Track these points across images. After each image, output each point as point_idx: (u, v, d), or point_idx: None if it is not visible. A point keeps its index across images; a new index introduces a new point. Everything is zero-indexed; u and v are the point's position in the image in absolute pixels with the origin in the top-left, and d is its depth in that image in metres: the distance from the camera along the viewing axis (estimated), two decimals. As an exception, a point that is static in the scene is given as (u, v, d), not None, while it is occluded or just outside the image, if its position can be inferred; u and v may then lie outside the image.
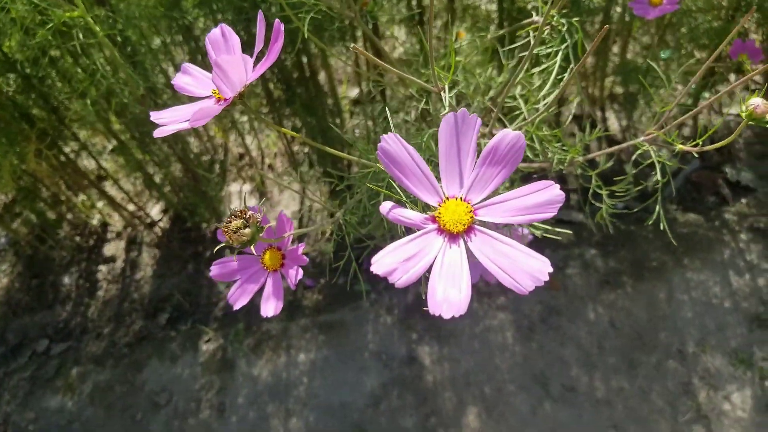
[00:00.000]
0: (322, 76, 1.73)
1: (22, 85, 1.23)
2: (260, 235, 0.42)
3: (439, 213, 0.34)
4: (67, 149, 1.66)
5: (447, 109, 0.53)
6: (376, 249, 0.74)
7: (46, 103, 1.28)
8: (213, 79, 0.38)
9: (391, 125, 0.47)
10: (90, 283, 2.00)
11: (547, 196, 0.33)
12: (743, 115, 0.47)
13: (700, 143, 0.56)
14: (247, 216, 0.41)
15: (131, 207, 2.08)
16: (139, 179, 2.01)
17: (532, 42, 0.70)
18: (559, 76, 0.64)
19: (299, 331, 1.77)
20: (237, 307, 0.59)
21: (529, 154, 0.71)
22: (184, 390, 1.69)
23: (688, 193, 2.05)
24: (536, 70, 0.65)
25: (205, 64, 0.44)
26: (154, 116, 0.42)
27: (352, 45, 0.38)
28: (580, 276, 1.80)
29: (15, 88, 1.23)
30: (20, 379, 1.80)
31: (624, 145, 0.67)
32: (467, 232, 0.34)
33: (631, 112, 2.19)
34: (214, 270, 0.56)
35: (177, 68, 1.52)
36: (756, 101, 0.46)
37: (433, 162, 0.41)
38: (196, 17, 1.10)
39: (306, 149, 1.97)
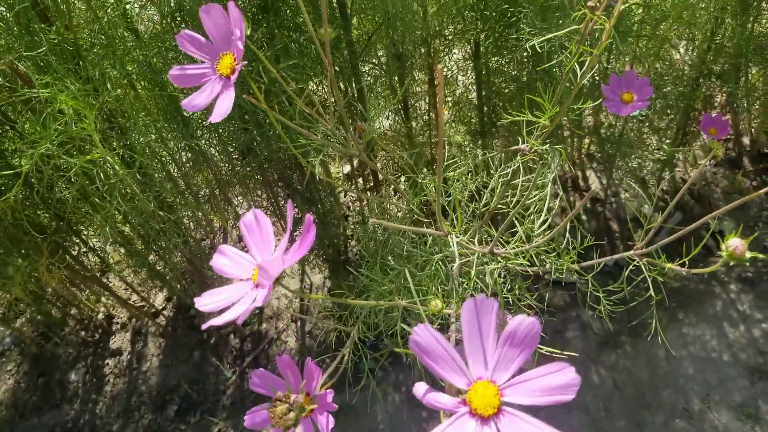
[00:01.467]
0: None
1: (33, 199, 1.29)
2: (304, 414, 0.46)
3: (470, 397, 0.39)
4: (73, 251, 1.70)
5: (456, 251, 0.59)
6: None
7: (57, 214, 1.33)
8: (258, 279, 0.44)
9: (412, 288, 0.52)
10: (97, 379, 2.01)
11: (564, 378, 0.38)
12: (724, 254, 0.53)
13: (687, 262, 0.62)
14: (291, 401, 0.46)
15: (135, 297, 2.11)
16: (142, 270, 2.04)
17: (520, 169, 0.77)
18: (550, 204, 0.70)
19: (309, 415, 1.78)
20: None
21: (525, 262, 0.76)
22: (197, 484, 1.69)
23: (673, 246, 2.12)
24: (530, 199, 0.71)
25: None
26: (198, 304, 0.47)
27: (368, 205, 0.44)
28: (579, 339, 1.85)
29: (28, 203, 1.28)
30: (31, 485, 1.78)
31: (615, 256, 0.73)
32: (496, 414, 0.38)
33: (610, 170, 2.27)
34: (248, 420, 0.60)
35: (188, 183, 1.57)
36: (734, 242, 0.52)
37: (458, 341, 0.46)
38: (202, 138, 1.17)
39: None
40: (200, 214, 1.59)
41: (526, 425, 0.37)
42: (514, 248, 0.72)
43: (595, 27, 0.63)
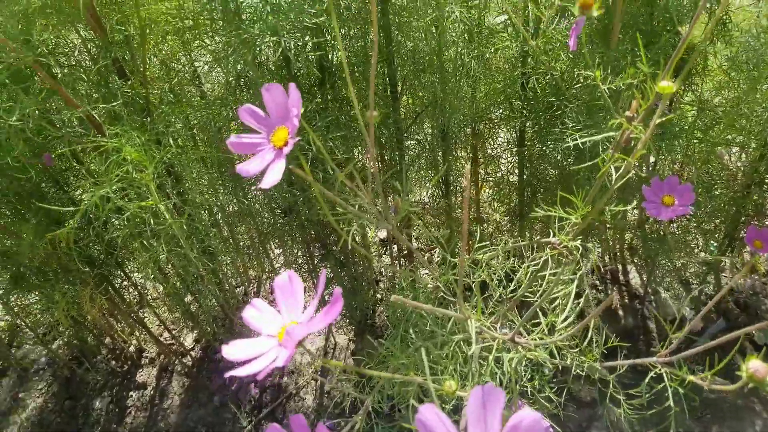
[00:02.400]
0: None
1: (88, 233, 1.37)
2: None
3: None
4: (115, 283, 1.78)
5: (473, 334, 0.61)
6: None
7: (107, 250, 1.40)
8: (283, 340, 0.47)
9: (426, 366, 0.54)
10: (119, 409, 2.04)
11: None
12: (744, 375, 0.53)
13: (709, 377, 0.62)
14: None
15: (166, 335, 2.16)
16: (177, 309, 2.11)
17: (549, 262, 0.79)
18: (576, 300, 0.71)
19: (319, 477, 1.76)
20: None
21: (545, 355, 0.77)
22: None
23: (713, 354, 2.05)
24: (556, 293, 0.73)
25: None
26: (224, 351, 0.51)
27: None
28: (604, 438, 1.79)
29: (83, 236, 1.36)
30: (39, 508, 1.80)
31: (638, 361, 0.73)
32: None
33: (652, 267, 2.24)
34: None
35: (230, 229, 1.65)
36: (755, 365, 0.52)
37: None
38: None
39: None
40: (239, 262, 1.64)
41: None
42: (535, 339, 0.73)
43: (632, 136, 0.66)
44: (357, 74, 1.25)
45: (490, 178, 1.76)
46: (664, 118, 0.62)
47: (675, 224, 2.04)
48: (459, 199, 1.93)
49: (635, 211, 2.15)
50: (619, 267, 2.33)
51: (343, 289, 1.61)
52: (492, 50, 1.26)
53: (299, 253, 1.61)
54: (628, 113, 0.64)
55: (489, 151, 1.73)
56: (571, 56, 1.11)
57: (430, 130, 1.50)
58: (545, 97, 1.29)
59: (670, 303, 2.27)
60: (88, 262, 1.41)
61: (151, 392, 2.07)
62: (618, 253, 2.30)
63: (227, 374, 0.48)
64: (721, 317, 2.20)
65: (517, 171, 1.59)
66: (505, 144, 1.63)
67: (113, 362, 2.16)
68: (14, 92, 0.93)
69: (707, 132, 1.60)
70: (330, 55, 1.18)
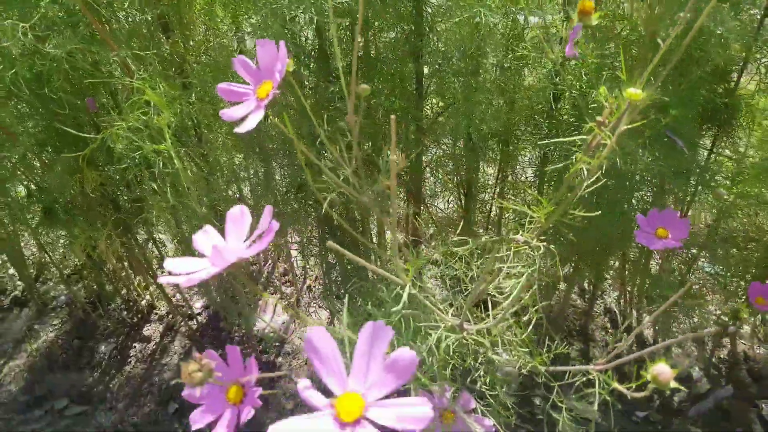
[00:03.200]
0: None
1: (111, 177, 1.45)
2: (210, 379, 0.52)
3: (339, 403, 0.44)
4: (138, 236, 1.87)
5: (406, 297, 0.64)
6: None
7: (134, 198, 1.49)
8: (211, 259, 0.52)
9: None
10: (122, 357, 2.13)
11: (420, 412, 0.42)
12: (650, 377, 0.55)
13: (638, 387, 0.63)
14: (202, 363, 0.52)
15: (178, 296, 2.25)
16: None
17: (508, 255, 0.81)
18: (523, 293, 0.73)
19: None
20: (194, 428, 0.68)
21: (485, 341, 0.78)
22: (169, 485, 1.73)
23: (716, 419, 1.99)
24: (508, 283, 0.75)
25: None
26: (167, 265, 0.56)
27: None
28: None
29: (109, 180, 1.45)
30: (30, 430, 1.90)
31: (583, 368, 0.74)
32: (354, 423, 0.43)
33: (668, 321, 2.19)
34: (186, 392, 0.66)
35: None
36: (661, 368, 0.54)
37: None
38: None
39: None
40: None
41: (374, 439, 0.42)
42: (482, 329, 0.75)
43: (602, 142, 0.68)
44: (389, 67, 1.30)
45: (511, 197, 1.77)
46: (631, 125, 0.64)
47: (693, 275, 1.99)
48: (480, 216, 1.94)
49: (658, 259, 2.11)
50: (634, 313, 2.29)
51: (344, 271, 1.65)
52: (522, 63, 1.29)
53: (311, 232, 1.66)
54: (599, 118, 0.66)
55: (517, 169, 1.75)
56: (592, 76, 1.12)
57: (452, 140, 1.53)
58: (569, 116, 1.31)
59: (679, 359, 2.21)
60: (112, 206, 1.50)
61: (154, 347, 2.16)
62: (634, 300, 2.26)
63: (161, 279, 0.53)
64: (729, 383, 2.13)
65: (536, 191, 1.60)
66: (529, 162, 1.64)
67: (125, 312, 2.26)
68: (64, 28, 1.02)
69: (735, 182, 1.57)
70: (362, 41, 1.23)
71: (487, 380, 0.88)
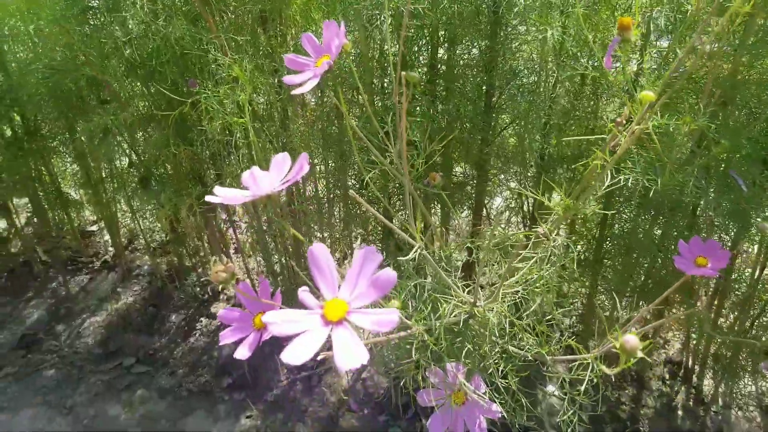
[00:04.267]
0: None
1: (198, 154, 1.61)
2: (233, 281, 0.62)
3: (327, 305, 0.52)
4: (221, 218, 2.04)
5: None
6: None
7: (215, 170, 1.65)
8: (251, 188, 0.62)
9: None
10: (189, 329, 2.30)
11: (390, 318, 0.49)
12: (618, 347, 0.58)
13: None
14: (227, 266, 0.62)
15: (247, 281, 2.40)
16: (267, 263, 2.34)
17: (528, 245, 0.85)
18: (532, 277, 0.78)
19: (325, 445, 1.87)
20: (222, 343, 0.77)
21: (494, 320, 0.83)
22: (210, 449, 1.85)
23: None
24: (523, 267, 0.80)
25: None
26: (216, 192, 0.66)
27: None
28: None
29: (200, 156, 1.61)
30: (99, 380, 2.09)
31: (584, 357, 0.77)
32: (337, 323, 0.51)
33: (731, 378, 2.09)
34: (223, 312, 0.76)
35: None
36: (629, 337, 0.57)
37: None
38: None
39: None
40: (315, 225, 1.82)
41: (348, 335, 0.49)
42: (494, 305, 0.80)
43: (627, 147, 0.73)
44: (465, 81, 1.38)
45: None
46: (644, 127, 0.69)
47: None
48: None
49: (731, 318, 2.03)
50: (696, 368, 2.20)
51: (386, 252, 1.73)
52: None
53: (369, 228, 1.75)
54: (618, 119, 0.71)
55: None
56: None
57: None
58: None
59: (739, 423, 2.10)
60: (198, 180, 1.66)
61: (218, 323, 2.31)
62: (700, 355, 2.17)
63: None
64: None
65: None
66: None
67: (198, 289, 2.44)
68: (177, 13, 1.18)
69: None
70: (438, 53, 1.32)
71: (500, 368, 0.92)
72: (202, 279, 2.47)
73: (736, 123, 1.11)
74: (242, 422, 1.95)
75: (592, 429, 1.97)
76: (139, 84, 1.46)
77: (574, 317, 2.13)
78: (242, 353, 0.73)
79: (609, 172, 0.74)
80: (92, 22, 1.28)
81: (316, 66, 0.75)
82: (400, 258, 0.68)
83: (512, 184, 1.85)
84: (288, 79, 0.76)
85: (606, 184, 0.76)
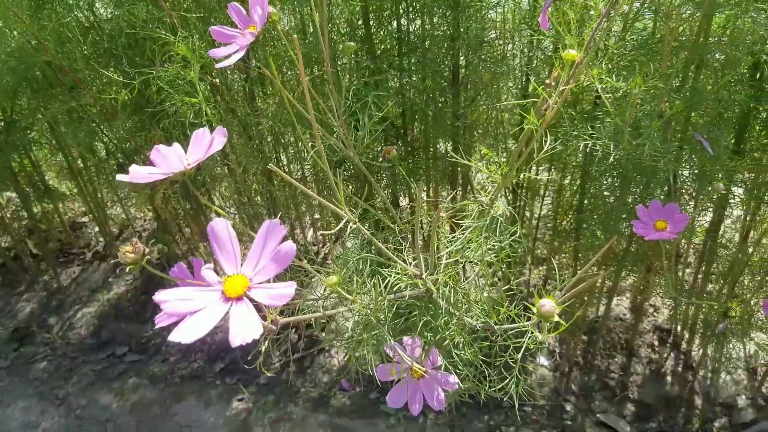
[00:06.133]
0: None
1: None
2: (141, 261, 0.61)
3: (227, 281, 0.51)
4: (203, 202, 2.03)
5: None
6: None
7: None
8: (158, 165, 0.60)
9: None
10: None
11: (285, 292, 0.48)
12: (535, 311, 0.57)
13: None
14: (136, 246, 0.61)
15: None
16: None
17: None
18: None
19: (315, 424, 1.88)
20: (157, 326, 0.76)
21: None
22: (201, 433, 1.87)
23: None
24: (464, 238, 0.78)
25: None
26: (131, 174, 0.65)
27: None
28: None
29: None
30: (91, 370, 2.10)
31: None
32: (237, 299, 0.50)
33: (719, 343, 2.07)
34: (158, 295, 0.75)
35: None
36: (545, 302, 0.56)
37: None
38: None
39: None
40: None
41: (245, 311, 0.48)
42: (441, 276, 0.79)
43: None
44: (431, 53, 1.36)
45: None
46: (570, 86, 0.66)
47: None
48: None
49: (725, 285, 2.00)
50: (686, 335, 2.18)
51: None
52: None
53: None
54: (547, 81, 0.69)
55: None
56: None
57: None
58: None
59: (726, 386, 2.08)
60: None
61: (209, 309, 2.32)
62: (689, 322, 2.15)
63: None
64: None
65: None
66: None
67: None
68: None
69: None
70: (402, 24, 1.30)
71: (456, 340, 0.91)
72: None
73: (698, 84, 1.08)
74: (234, 405, 1.96)
75: (583, 397, 1.96)
76: (102, 70, 1.45)
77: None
78: (180, 337, 0.73)
79: (543, 136, 0.72)
80: (48, 8, 1.27)
81: (241, 37, 0.73)
82: (326, 233, 0.67)
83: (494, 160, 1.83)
84: (214, 52, 0.75)
85: (545, 149, 0.74)
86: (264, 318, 0.55)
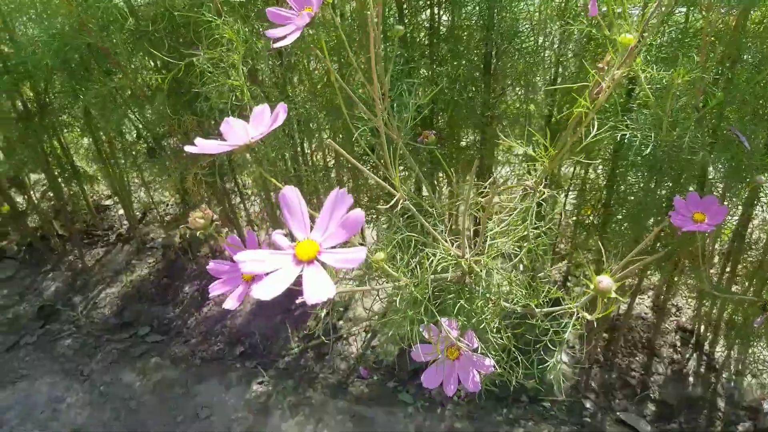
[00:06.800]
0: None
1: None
2: (210, 228, 0.63)
3: (298, 245, 0.53)
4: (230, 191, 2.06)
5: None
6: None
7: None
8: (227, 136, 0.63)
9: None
10: (201, 299, 2.34)
11: (358, 255, 0.50)
12: (592, 287, 0.59)
13: None
14: (205, 213, 0.63)
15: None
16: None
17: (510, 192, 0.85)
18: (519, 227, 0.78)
19: (334, 410, 1.90)
20: (211, 295, 0.78)
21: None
22: (222, 414, 1.89)
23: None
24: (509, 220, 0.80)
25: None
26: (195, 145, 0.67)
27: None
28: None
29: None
30: (114, 349, 2.14)
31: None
32: (308, 262, 0.51)
33: (745, 343, 2.07)
34: (212, 265, 0.78)
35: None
36: (602, 278, 0.57)
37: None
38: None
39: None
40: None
41: (317, 272, 0.50)
42: (482, 255, 0.81)
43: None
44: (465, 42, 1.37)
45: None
46: (626, 70, 0.68)
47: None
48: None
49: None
50: (709, 335, 2.18)
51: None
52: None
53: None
54: (600, 65, 0.70)
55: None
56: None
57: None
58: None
59: (751, 389, 2.08)
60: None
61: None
62: (712, 321, 2.15)
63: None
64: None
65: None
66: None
67: (211, 260, 2.47)
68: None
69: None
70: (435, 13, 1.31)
71: (492, 324, 0.93)
72: (215, 251, 2.50)
73: (737, 78, 1.09)
74: (254, 388, 1.99)
75: (603, 395, 1.97)
76: (141, 54, 1.47)
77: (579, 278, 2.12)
78: (231, 304, 0.75)
79: (593, 122, 0.73)
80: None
81: (297, 18, 0.75)
82: (381, 207, 0.69)
83: (519, 150, 1.84)
84: (270, 32, 0.76)
85: (592, 134, 0.75)
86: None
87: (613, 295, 0.57)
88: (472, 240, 0.82)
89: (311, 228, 0.54)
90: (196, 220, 0.62)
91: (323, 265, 0.51)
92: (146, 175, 2.17)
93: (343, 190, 0.53)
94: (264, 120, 0.68)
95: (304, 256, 0.52)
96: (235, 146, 0.64)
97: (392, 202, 0.70)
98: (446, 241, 0.84)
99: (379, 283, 1.04)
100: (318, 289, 0.48)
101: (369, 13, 0.71)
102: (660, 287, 2.22)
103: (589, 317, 0.65)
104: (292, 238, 0.54)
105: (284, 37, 0.74)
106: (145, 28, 1.31)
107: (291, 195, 0.54)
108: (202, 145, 0.63)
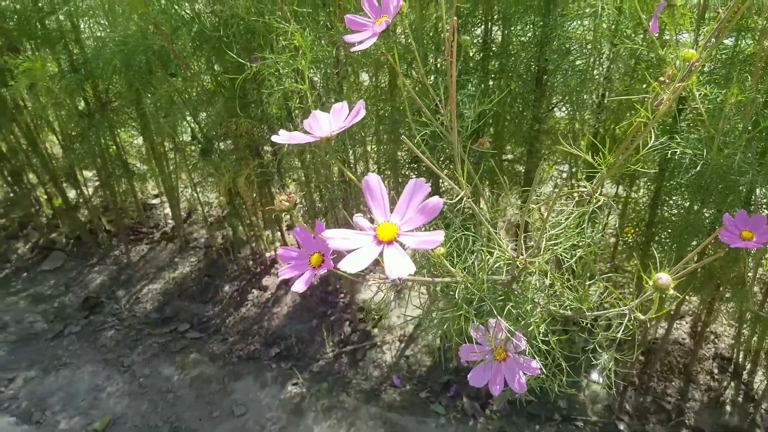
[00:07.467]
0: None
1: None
2: (293, 210, 0.67)
3: (379, 227, 0.57)
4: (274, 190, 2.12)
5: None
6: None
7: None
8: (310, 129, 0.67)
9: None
10: (241, 299, 2.40)
11: (433, 238, 0.53)
12: (650, 283, 0.61)
13: None
14: (289, 197, 0.67)
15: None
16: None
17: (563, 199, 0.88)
18: (576, 231, 0.81)
19: (367, 416, 1.93)
20: (281, 278, 0.83)
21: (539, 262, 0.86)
22: (257, 412, 1.93)
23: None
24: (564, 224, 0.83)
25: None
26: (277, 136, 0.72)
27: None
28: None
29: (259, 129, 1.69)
30: (155, 342, 2.20)
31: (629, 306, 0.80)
32: (388, 243, 0.56)
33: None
34: (282, 251, 0.82)
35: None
36: (662, 275, 0.60)
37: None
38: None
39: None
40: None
41: (397, 252, 0.54)
42: (536, 260, 0.84)
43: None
44: (517, 58, 1.42)
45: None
46: (686, 83, 0.71)
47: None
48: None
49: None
50: (748, 364, 2.16)
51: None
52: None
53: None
54: (661, 78, 0.74)
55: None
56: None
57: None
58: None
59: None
60: (256, 153, 1.74)
61: (269, 296, 2.40)
62: (752, 350, 2.13)
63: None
64: None
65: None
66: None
67: (251, 261, 2.54)
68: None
69: None
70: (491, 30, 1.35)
71: (539, 327, 0.96)
72: (255, 253, 2.56)
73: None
74: (288, 389, 2.03)
75: (636, 418, 1.96)
76: (203, 59, 1.55)
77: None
78: (299, 287, 0.79)
79: (652, 132, 0.76)
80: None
81: (375, 25, 0.80)
82: (448, 200, 0.73)
83: (564, 167, 1.86)
84: (349, 37, 0.82)
85: (650, 144, 0.78)
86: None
87: (672, 291, 0.60)
88: (540, 239, 0.85)
89: (391, 212, 0.58)
90: (282, 203, 0.67)
91: (402, 246, 0.55)
92: (196, 176, 2.25)
93: (421, 179, 0.57)
94: (342, 115, 0.73)
95: (384, 236, 0.56)
96: (317, 138, 0.68)
97: (457, 197, 0.74)
98: (501, 242, 0.87)
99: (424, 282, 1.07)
100: (399, 266, 0.52)
101: (449, 20, 0.75)
102: (699, 313, 2.20)
103: (642, 317, 0.67)
104: (372, 222, 0.58)
105: (361, 42, 0.79)
106: (214, 32, 1.38)
107: (373, 182, 0.59)
108: (289, 136, 0.68)
